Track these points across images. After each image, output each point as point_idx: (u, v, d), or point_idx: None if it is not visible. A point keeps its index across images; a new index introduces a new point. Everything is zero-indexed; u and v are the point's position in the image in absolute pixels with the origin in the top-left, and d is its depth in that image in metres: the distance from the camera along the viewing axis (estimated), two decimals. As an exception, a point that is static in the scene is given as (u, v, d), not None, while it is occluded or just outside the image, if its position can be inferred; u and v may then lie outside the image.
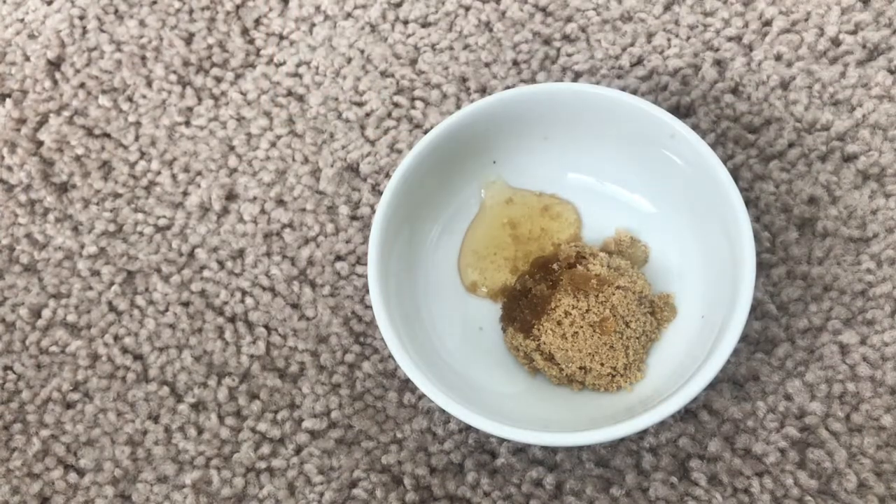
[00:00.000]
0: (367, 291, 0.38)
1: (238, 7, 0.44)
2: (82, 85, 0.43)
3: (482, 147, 0.37)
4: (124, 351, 0.39)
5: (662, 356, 0.35)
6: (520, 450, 0.36)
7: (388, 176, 0.40)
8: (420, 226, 0.37)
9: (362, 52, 0.43)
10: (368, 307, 0.38)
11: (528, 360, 0.36)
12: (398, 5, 0.44)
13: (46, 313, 0.39)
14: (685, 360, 0.34)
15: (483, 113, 0.36)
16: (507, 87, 0.41)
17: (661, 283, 0.37)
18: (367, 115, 0.42)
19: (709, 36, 0.41)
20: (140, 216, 0.41)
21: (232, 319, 0.39)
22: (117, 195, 0.41)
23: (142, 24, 0.44)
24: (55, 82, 0.43)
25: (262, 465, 0.36)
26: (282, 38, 0.44)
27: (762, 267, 0.37)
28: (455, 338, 0.37)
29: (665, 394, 0.32)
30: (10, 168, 0.42)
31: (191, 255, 0.40)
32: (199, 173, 0.41)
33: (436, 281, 0.38)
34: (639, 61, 0.41)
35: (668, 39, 0.41)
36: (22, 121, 0.43)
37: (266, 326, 0.38)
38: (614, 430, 0.31)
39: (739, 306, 0.32)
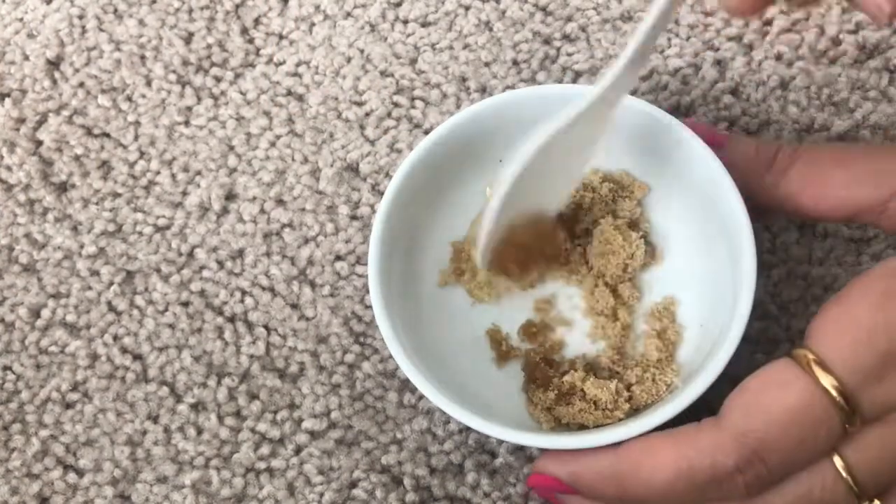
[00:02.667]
0: (367, 291, 0.38)
1: (237, 6, 0.44)
2: (81, 84, 0.43)
3: (487, 146, 0.37)
4: (123, 351, 0.38)
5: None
6: (518, 449, 0.36)
7: (388, 175, 0.40)
8: (422, 227, 0.37)
9: (362, 51, 0.43)
10: (368, 307, 0.38)
11: (551, 419, 0.34)
12: (398, 5, 0.43)
13: (45, 313, 0.39)
14: (685, 367, 0.34)
15: (488, 112, 0.36)
16: (508, 87, 0.41)
17: (660, 288, 0.37)
18: (367, 114, 0.41)
19: (709, 35, 0.41)
20: (139, 216, 0.41)
21: (231, 319, 0.39)
22: (116, 195, 0.41)
23: (141, 23, 0.44)
24: (54, 82, 0.43)
25: (262, 465, 0.36)
26: (281, 37, 0.43)
27: (762, 267, 0.37)
28: (456, 340, 0.37)
29: (664, 398, 0.32)
30: (9, 168, 0.42)
31: (190, 254, 0.40)
32: (198, 173, 0.41)
33: (438, 282, 0.38)
34: (639, 61, 0.41)
35: (669, 39, 0.41)
36: (21, 120, 0.43)
37: (266, 326, 0.38)
38: (611, 433, 0.31)
39: (738, 316, 0.31)
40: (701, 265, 0.36)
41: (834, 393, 0.28)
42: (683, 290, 0.36)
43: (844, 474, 0.28)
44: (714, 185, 0.34)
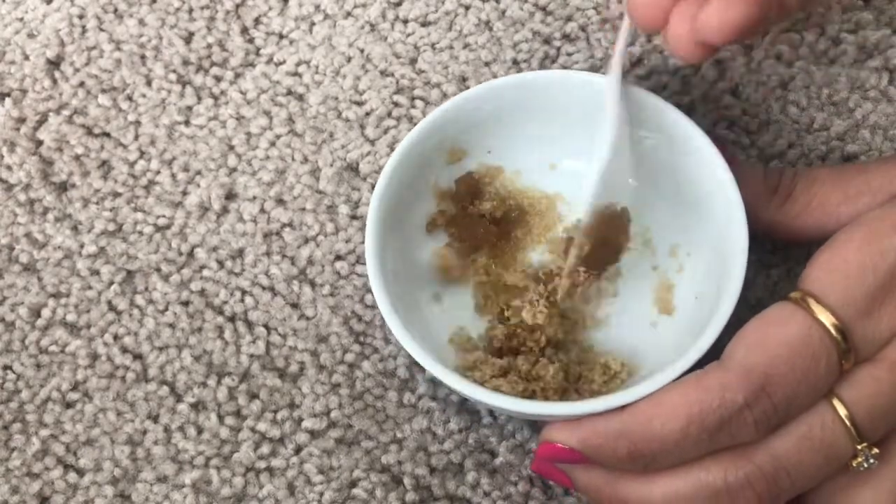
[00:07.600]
0: (368, 291, 0.38)
1: (238, 6, 0.44)
2: (82, 84, 0.43)
3: (472, 137, 0.37)
4: (124, 350, 0.38)
5: (657, 334, 0.36)
6: (518, 446, 0.36)
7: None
8: (414, 217, 0.37)
9: (362, 51, 0.43)
10: (368, 307, 0.38)
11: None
12: (398, 4, 0.43)
13: (46, 313, 0.39)
14: (678, 340, 0.34)
15: (471, 103, 0.36)
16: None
17: (650, 262, 0.37)
18: (367, 114, 0.42)
19: (709, 35, 0.41)
20: (139, 215, 0.41)
21: (231, 319, 0.39)
22: (117, 194, 0.41)
23: (141, 23, 0.44)
24: (54, 81, 0.43)
25: (262, 464, 0.36)
26: (281, 37, 0.43)
27: (762, 266, 0.37)
28: (453, 327, 0.37)
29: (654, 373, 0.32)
30: (9, 167, 0.42)
31: (190, 254, 0.40)
32: (198, 172, 0.41)
33: (435, 269, 0.38)
34: (639, 61, 0.41)
35: (669, 39, 0.41)
36: (21, 120, 0.43)
37: (266, 326, 0.38)
38: (616, 398, 0.31)
39: (731, 286, 0.32)
40: (692, 239, 0.36)
41: (830, 327, 0.29)
42: (674, 264, 0.36)
43: (842, 413, 0.29)
44: (697, 154, 0.34)
